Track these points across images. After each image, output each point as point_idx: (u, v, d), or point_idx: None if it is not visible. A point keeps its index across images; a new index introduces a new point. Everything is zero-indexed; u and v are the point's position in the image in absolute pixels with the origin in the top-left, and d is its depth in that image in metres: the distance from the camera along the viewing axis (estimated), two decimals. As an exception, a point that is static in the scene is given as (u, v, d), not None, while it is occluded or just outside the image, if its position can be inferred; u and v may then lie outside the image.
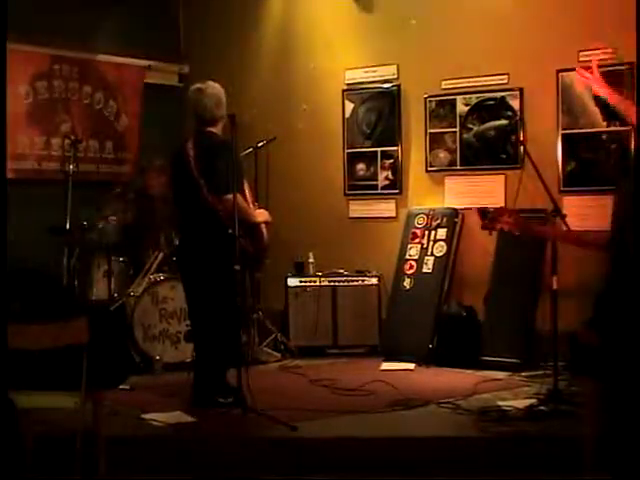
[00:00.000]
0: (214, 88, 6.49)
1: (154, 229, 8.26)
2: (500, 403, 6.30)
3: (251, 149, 8.46)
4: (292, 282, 8.62)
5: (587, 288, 4.39)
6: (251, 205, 6.61)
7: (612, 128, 7.66)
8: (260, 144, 8.55)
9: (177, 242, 7.31)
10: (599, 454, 4.22)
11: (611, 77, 7.57)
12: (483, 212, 5.48)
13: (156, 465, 5.34)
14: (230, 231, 6.02)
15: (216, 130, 6.45)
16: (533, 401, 6.22)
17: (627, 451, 4.03)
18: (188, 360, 7.32)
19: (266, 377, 7.41)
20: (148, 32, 9.63)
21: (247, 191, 6.58)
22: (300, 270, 8.77)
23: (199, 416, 6.07)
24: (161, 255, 8.12)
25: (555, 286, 6.25)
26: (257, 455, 5.49)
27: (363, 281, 8.58)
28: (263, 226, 6.61)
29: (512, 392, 6.72)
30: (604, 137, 7.72)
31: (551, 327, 6.33)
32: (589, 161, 7.76)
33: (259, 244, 6.58)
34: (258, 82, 9.65)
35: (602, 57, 7.32)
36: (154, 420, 5.96)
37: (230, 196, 6.06)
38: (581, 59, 7.68)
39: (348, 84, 9.12)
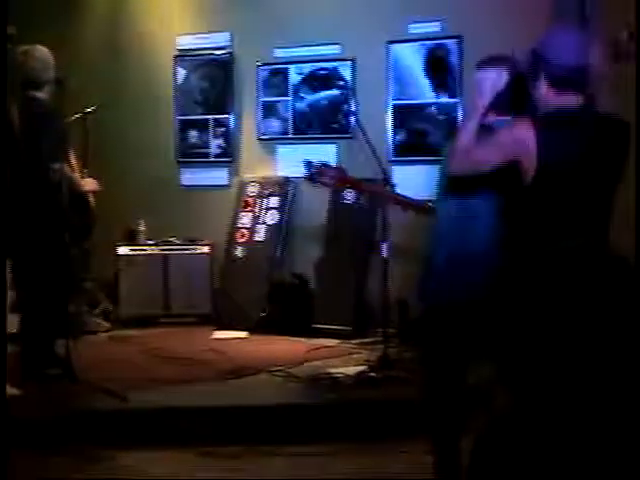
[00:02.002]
0: (41, 51, 6.28)
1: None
2: (331, 370, 6.36)
3: (79, 115, 8.23)
4: (122, 250, 8.47)
5: (417, 256, 4.44)
6: (77, 173, 6.44)
7: (441, 99, 7.83)
8: (88, 110, 8.33)
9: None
10: (427, 419, 4.32)
11: (438, 49, 7.79)
12: (308, 163, 5.55)
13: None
14: (56, 201, 5.87)
15: (42, 95, 6.25)
16: (363, 368, 6.31)
17: (448, 416, 4.16)
18: (14, 331, 7.11)
19: (96, 347, 7.29)
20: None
21: (73, 159, 6.41)
22: (131, 238, 8.63)
23: (26, 389, 5.90)
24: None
25: (385, 254, 6.35)
26: (87, 427, 5.40)
27: (195, 249, 8.51)
28: (90, 195, 6.46)
29: (343, 359, 6.80)
30: (433, 108, 7.88)
31: (381, 294, 6.43)
32: (418, 131, 7.91)
33: (86, 213, 6.43)
34: (88, 47, 9.40)
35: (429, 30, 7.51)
36: (-22, 394, 5.77)
37: (56, 165, 5.90)
38: (411, 31, 7.82)
39: (180, 50, 8.99)
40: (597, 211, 3.49)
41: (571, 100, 3.56)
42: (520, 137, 3.46)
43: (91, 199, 6.46)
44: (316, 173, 5.72)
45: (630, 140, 3.57)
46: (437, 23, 7.75)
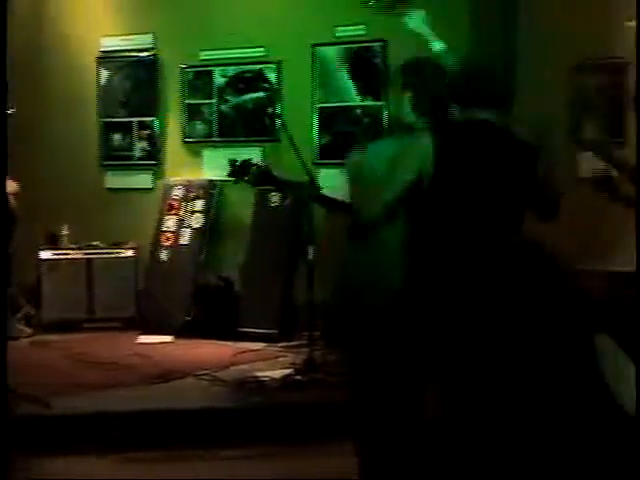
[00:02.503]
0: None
1: None
2: (257, 374, 6.34)
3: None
4: (45, 254, 8.35)
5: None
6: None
7: (366, 102, 7.86)
8: (10, 112, 8.21)
9: None
10: (351, 422, 4.32)
11: (363, 52, 7.82)
12: (232, 162, 5.57)
13: None
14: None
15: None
16: (289, 371, 6.31)
17: (374, 419, 4.17)
18: None
19: (17, 353, 7.14)
20: None
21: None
22: (54, 242, 8.50)
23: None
24: None
25: (311, 256, 6.35)
26: (8, 434, 5.31)
27: (119, 253, 8.42)
28: (11, 197, 6.36)
29: (269, 363, 6.79)
30: (358, 111, 7.91)
31: (307, 297, 6.44)
32: (343, 134, 7.93)
33: (6, 215, 6.33)
34: (9, 49, 9.23)
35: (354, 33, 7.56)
36: None
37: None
38: (337, 34, 7.85)
39: (103, 52, 8.89)
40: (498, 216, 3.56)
41: (473, 116, 3.65)
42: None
43: (12, 201, 6.36)
44: (240, 171, 5.70)
45: (535, 162, 3.62)
46: (362, 26, 7.78)
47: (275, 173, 5.75)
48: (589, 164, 6.90)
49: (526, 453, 2.25)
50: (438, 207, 3.62)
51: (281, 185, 6.09)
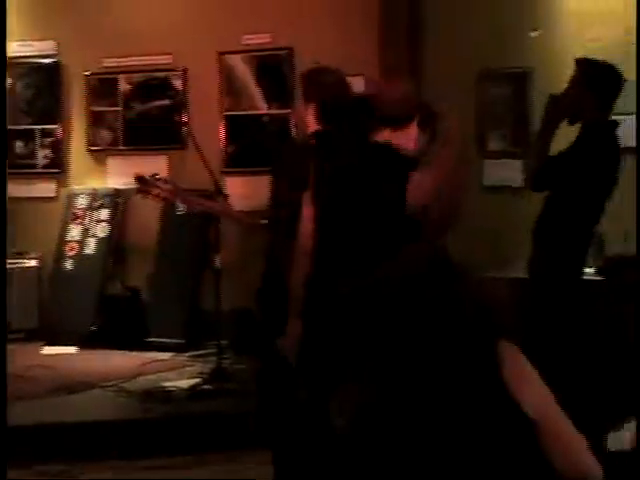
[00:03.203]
0: None
1: None
2: (164, 384, 6.30)
3: None
4: (-55, 265, 8.17)
5: (250, 267, 4.46)
6: None
7: (273, 111, 7.87)
8: None
9: None
10: (263, 430, 4.32)
11: (270, 61, 7.84)
12: (140, 178, 5.55)
13: None
14: None
15: None
16: (197, 380, 6.27)
17: (286, 427, 4.17)
18: None
19: None
20: None
21: None
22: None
23: None
24: None
25: (218, 265, 6.33)
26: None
27: (22, 263, 8.28)
28: None
29: (177, 372, 6.75)
30: (265, 119, 7.92)
31: (215, 306, 6.41)
32: (251, 142, 7.92)
33: None
34: None
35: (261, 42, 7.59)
36: None
37: None
38: (244, 42, 7.85)
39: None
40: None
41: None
42: None
43: None
44: (147, 187, 5.67)
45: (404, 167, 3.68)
46: (268, 34, 7.79)
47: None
48: (493, 173, 7.06)
49: (435, 462, 2.27)
50: (333, 220, 3.65)
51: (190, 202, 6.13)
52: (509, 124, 7.11)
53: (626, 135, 6.13)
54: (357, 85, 6.68)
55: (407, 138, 3.73)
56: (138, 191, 5.75)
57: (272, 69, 7.87)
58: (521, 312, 5.32)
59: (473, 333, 2.27)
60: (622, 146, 4.93)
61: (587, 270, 6.18)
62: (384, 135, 3.69)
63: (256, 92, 7.90)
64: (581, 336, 5.04)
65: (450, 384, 2.23)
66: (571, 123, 4.82)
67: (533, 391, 2.29)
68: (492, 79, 7.10)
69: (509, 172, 6.74)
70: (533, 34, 6.87)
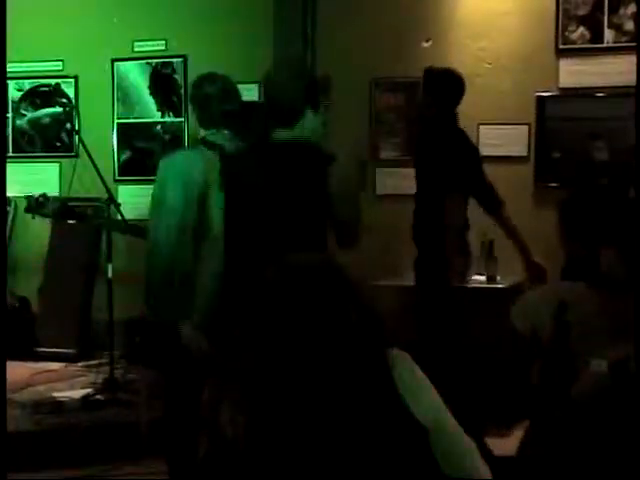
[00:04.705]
0: None
1: None
2: (55, 394, 6.21)
3: None
4: None
5: (140, 276, 4.41)
6: None
7: (167, 119, 7.83)
8: None
9: None
10: (155, 440, 4.29)
11: (163, 68, 7.81)
12: (28, 197, 5.55)
13: None
14: None
15: None
16: (89, 391, 6.20)
17: (179, 436, 4.15)
18: None
19: None
20: None
21: None
22: None
23: None
24: None
25: (110, 274, 6.27)
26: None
27: None
28: None
29: (68, 383, 6.66)
30: (158, 127, 7.87)
31: (107, 316, 6.34)
32: (144, 150, 7.87)
33: None
34: None
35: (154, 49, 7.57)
36: None
37: None
38: (136, 49, 7.80)
39: None
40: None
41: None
42: None
43: None
44: (36, 207, 5.63)
45: (323, 163, 3.71)
46: (162, 42, 7.75)
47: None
48: (386, 181, 7.13)
49: (326, 473, 2.28)
50: (231, 225, 3.67)
51: (82, 218, 6.11)
52: (401, 133, 7.20)
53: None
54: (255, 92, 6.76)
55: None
56: (27, 211, 5.72)
57: (165, 77, 7.83)
58: (412, 320, 5.41)
59: (364, 342, 2.28)
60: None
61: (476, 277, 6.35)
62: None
63: (149, 99, 7.86)
64: (463, 340, 5.16)
65: (340, 393, 2.24)
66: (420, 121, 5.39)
67: (425, 399, 2.31)
68: (385, 87, 7.18)
69: (401, 180, 6.81)
70: (426, 44, 6.98)
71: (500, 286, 6.30)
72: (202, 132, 4.28)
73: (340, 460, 2.25)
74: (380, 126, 7.23)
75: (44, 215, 5.82)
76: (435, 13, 7.05)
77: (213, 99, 4.26)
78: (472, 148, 5.60)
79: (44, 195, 6.00)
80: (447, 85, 5.47)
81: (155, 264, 4.17)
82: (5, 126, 5.42)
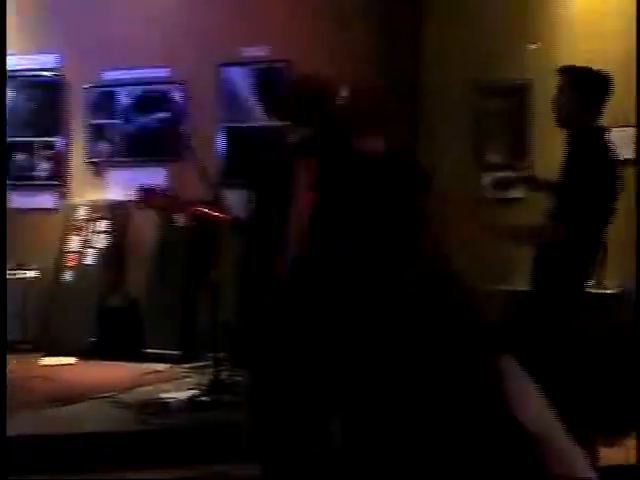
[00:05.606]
0: None
1: None
2: (162, 395, 6.29)
3: None
4: (-55, 276, 8.18)
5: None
6: None
7: (273, 123, 7.88)
8: None
9: None
10: (255, 443, 4.31)
11: (269, 74, 7.86)
12: (137, 189, 5.61)
13: None
14: None
15: None
16: (195, 392, 6.27)
17: (279, 440, 4.16)
18: None
19: None
20: None
21: None
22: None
23: None
24: None
25: (215, 276, 6.34)
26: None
27: (23, 274, 8.29)
28: None
29: (174, 384, 6.74)
30: (264, 131, 7.93)
31: (212, 318, 6.41)
32: (249, 155, 7.92)
33: None
34: None
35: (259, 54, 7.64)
36: None
37: None
38: (241, 55, 7.88)
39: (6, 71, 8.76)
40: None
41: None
42: None
43: None
44: (146, 199, 5.69)
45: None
46: (267, 47, 7.81)
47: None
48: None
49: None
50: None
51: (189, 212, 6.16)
52: (507, 136, 7.12)
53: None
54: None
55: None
56: (138, 201, 5.77)
57: (270, 81, 7.89)
58: (520, 325, 5.32)
59: (473, 347, 2.26)
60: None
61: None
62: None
63: (254, 104, 7.92)
64: (577, 348, 5.03)
65: (448, 399, 2.23)
66: (562, 127, 4.87)
67: (532, 405, 2.28)
68: (489, 91, 7.12)
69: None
70: (531, 46, 6.89)
71: (609, 291, 6.18)
72: None
73: (445, 466, 2.24)
74: (483, 130, 7.17)
75: (154, 207, 5.90)
76: (541, 15, 6.96)
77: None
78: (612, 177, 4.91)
79: (153, 188, 6.04)
80: (598, 86, 4.88)
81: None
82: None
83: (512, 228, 5.46)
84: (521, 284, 5.75)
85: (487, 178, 7.00)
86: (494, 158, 7.18)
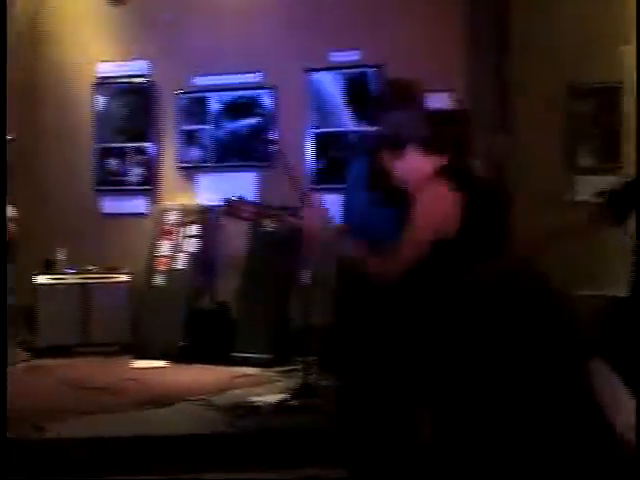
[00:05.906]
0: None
1: None
2: (252, 398, 6.32)
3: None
4: (41, 279, 8.34)
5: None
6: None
7: (361, 127, 7.88)
8: (9, 137, 8.23)
9: None
10: (341, 448, 4.31)
11: (357, 79, 7.86)
12: (225, 199, 5.64)
13: None
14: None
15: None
16: (285, 396, 6.29)
17: (363, 447, 4.14)
18: None
19: (13, 378, 7.13)
20: None
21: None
22: (49, 267, 8.50)
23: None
24: None
25: (307, 281, 6.35)
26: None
27: (114, 278, 8.42)
28: (10, 223, 6.37)
29: (264, 387, 6.77)
30: (352, 136, 7.93)
31: (303, 322, 6.43)
32: (338, 160, 7.93)
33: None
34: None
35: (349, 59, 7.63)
36: None
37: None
38: (331, 59, 7.89)
39: (99, 78, 8.92)
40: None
41: None
42: None
43: (10, 226, 6.36)
44: (234, 209, 5.74)
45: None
46: (357, 52, 7.81)
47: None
48: (584, 188, 6.96)
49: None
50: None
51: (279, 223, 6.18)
52: (599, 139, 7.02)
53: None
54: (443, 100, 6.72)
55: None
56: (225, 213, 5.82)
57: (360, 86, 7.89)
58: (612, 330, 5.22)
59: (563, 351, 2.24)
60: None
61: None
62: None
63: (344, 109, 7.93)
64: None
65: (537, 401, 2.20)
66: None
67: (624, 410, 2.25)
68: (581, 93, 7.02)
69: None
70: (623, 48, 6.78)
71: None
72: None
73: (533, 469, 2.22)
74: (576, 132, 7.07)
75: (240, 218, 5.93)
76: (633, 16, 6.84)
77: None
78: None
79: (242, 198, 6.09)
80: None
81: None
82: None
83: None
84: (611, 289, 5.67)
85: (582, 183, 6.92)
86: (585, 161, 7.08)
